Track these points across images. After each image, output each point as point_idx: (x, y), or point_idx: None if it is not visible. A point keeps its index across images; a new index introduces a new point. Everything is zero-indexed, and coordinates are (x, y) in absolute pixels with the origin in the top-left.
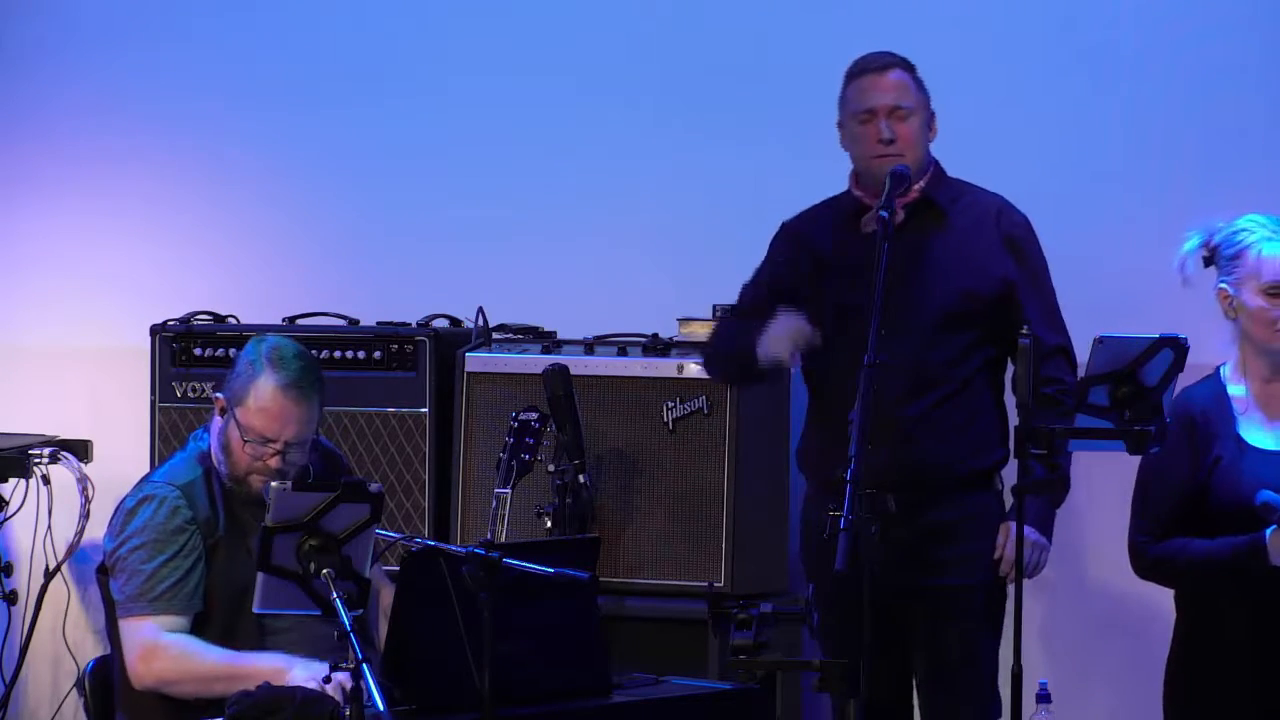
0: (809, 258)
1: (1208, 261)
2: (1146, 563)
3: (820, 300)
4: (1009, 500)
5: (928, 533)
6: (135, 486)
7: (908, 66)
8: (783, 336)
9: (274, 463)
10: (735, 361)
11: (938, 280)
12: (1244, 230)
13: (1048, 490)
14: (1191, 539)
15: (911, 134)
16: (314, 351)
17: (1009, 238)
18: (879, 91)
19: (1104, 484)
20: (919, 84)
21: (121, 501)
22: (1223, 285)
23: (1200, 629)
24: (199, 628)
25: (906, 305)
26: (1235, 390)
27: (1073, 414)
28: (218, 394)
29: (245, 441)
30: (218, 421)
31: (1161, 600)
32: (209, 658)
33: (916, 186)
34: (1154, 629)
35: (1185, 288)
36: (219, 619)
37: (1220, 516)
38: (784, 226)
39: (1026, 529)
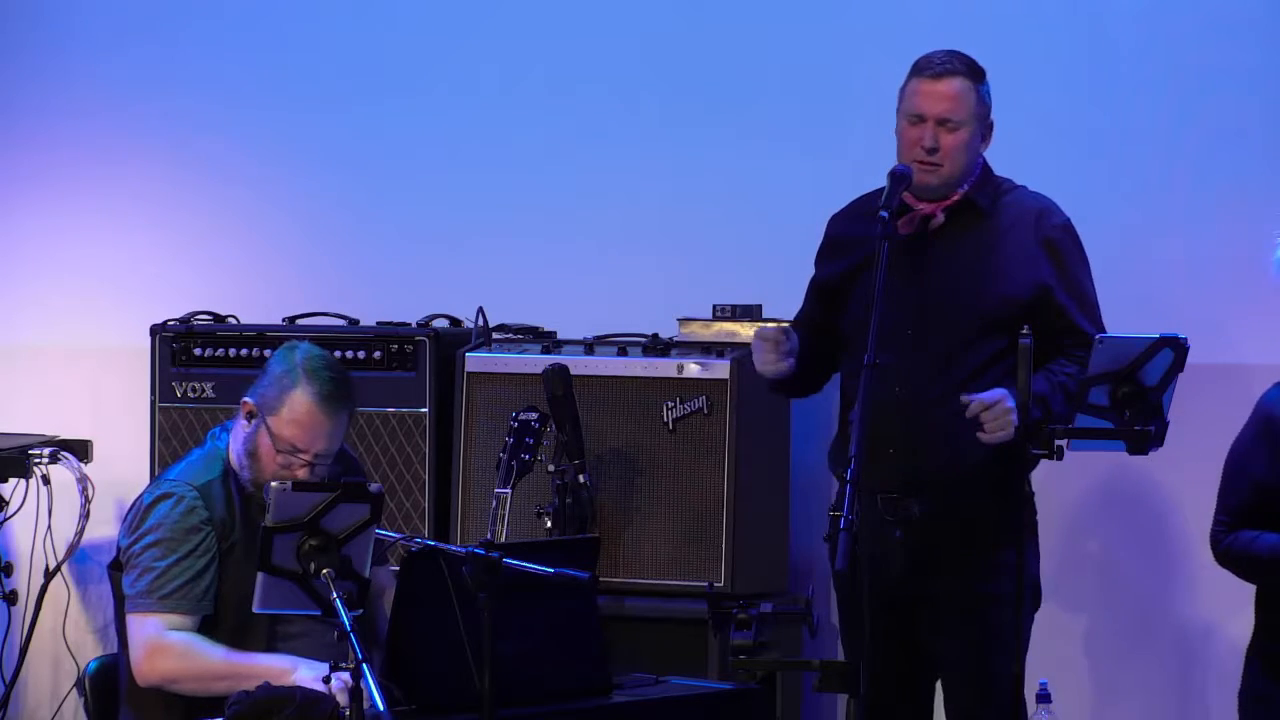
0: (846, 259)
1: None
2: (1219, 552)
3: (855, 297)
4: (1040, 507)
5: (957, 536)
6: (153, 483)
7: (972, 74)
8: (766, 358)
9: (301, 473)
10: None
11: (975, 284)
12: None
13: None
14: (1263, 533)
15: (956, 146)
16: None
17: (1047, 240)
18: (932, 99)
19: (1105, 484)
20: (980, 94)
21: (139, 497)
22: None
23: (1277, 621)
24: (209, 629)
25: (943, 307)
26: None
27: (1075, 378)
28: (246, 398)
29: (277, 451)
30: (243, 425)
31: (1164, 600)
32: (213, 656)
33: (960, 190)
34: (1157, 630)
35: None
36: (229, 621)
37: None
38: (827, 226)
39: (1006, 396)
